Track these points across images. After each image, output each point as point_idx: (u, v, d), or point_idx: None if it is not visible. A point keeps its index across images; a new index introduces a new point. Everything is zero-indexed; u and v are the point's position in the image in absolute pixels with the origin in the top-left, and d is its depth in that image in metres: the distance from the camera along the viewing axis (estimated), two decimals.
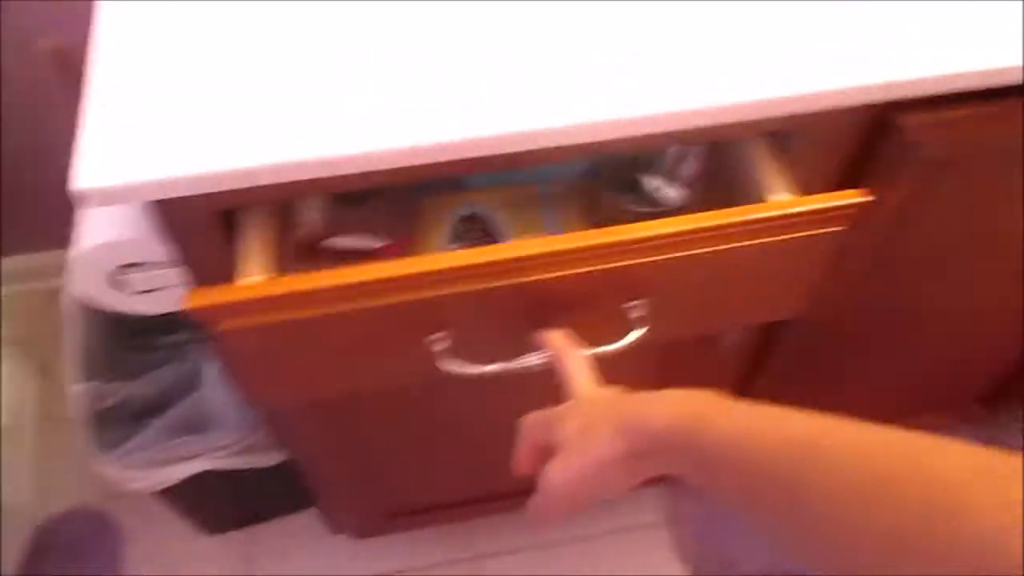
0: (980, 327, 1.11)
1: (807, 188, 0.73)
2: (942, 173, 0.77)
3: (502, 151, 0.64)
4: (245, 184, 0.62)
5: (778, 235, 0.68)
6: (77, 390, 1.11)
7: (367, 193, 0.84)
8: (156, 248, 0.79)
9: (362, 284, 0.64)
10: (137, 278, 0.82)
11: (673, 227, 0.66)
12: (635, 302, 0.70)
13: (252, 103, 0.64)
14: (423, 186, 0.86)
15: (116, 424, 1.12)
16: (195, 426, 1.10)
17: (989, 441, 0.34)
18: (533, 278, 0.66)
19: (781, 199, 0.72)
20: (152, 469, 1.09)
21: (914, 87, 0.67)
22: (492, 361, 0.71)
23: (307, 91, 0.65)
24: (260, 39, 0.69)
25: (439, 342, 0.69)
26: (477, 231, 0.85)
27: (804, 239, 0.69)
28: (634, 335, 0.71)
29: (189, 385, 1.14)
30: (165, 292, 0.87)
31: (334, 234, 0.83)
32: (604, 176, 0.85)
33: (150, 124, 0.62)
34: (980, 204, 0.84)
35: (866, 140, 0.75)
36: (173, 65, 0.67)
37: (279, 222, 0.76)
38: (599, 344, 0.69)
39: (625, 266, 0.67)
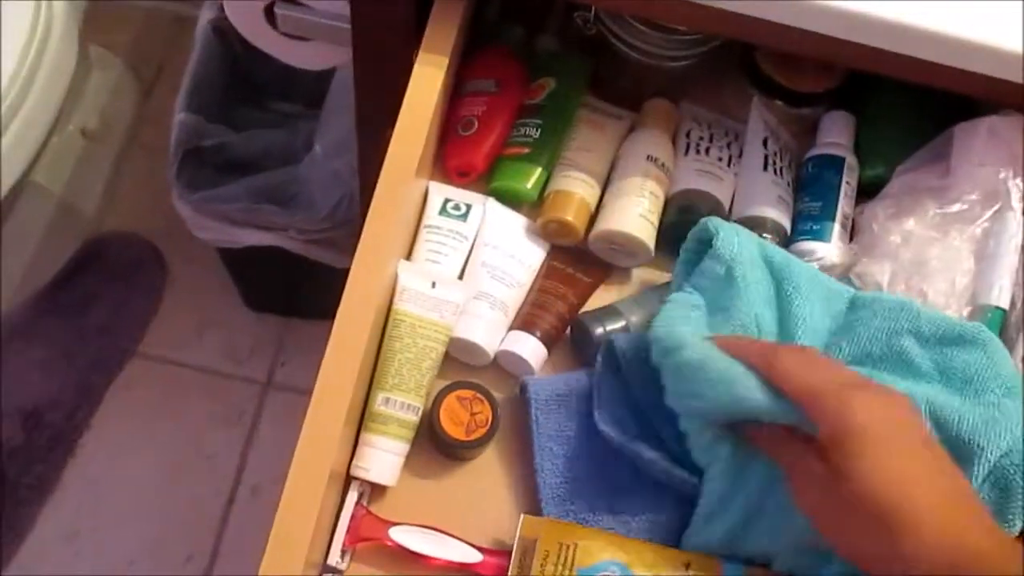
0: None
1: None
2: None
3: None
4: None
5: None
6: (180, 118, 1.07)
7: None
8: None
9: None
10: (292, 17, 0.76)
11: None
12: None
13: None
14: None
15: (206, 167, 1.08)
16: (282, 199, 1.05)
17: None
18: None
19: None
20: (225, 224, 1.05)
21: None
22: None
23: None
24: None
25: None
26: None
27: None
28: None
29: (291, 156, 1.09)
30: (313, 47, 0.81)
31: None
32: None
33: None
34: None
35: None
36: None
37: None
38: None
39: None
